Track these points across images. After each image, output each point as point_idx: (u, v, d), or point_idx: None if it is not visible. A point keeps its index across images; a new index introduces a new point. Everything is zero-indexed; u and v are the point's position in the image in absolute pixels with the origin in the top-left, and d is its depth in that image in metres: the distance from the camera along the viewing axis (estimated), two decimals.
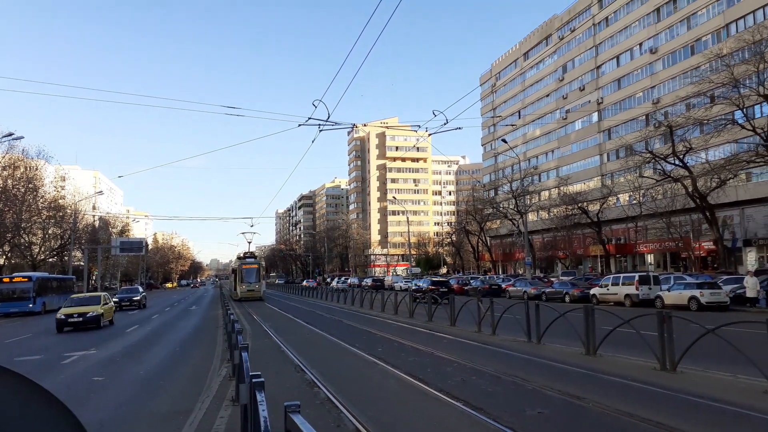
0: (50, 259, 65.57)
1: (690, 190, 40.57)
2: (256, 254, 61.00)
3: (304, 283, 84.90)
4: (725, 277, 31.87)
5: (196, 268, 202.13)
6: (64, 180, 73.95)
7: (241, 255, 52.61)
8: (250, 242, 67.74)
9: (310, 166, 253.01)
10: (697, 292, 26.22)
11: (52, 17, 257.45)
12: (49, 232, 62.30)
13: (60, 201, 65.45)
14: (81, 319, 24.23)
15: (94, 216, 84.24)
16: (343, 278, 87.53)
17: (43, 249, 62.23)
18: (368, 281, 69.44)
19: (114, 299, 30.88)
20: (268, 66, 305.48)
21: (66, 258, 65.88)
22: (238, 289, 45.59)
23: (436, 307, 23.29)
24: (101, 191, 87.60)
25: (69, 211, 64.22)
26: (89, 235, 74.63)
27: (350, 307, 34.58)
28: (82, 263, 71.17)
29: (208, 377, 11.60)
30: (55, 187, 66.50)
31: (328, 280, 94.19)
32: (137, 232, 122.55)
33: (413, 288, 42.12)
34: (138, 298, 41.98)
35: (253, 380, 4.89)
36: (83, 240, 70.37)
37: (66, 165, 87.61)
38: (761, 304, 26.27)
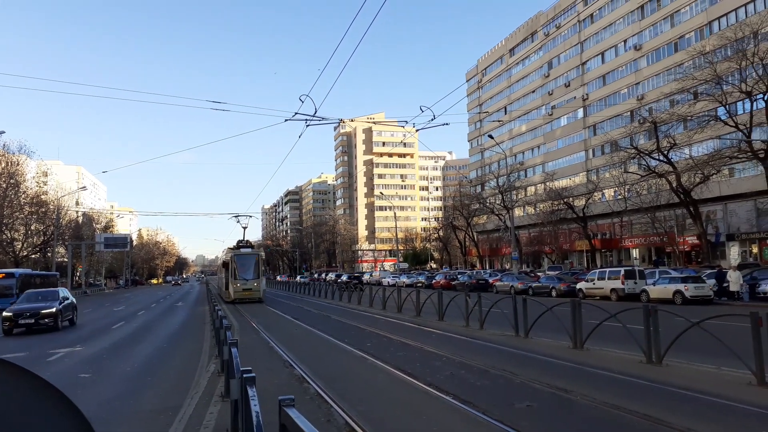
0: (33, 256, 64.77)
1: (674, 185, 41.07)
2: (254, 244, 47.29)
3: (298, 278, 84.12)
4: (708, 271, 32.31)
5: (181, 264, 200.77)
6: (47, 175, 73.08)
7: (235, 244, 40.52)
8: (245, 227, 48.08)
9: (297, 161, 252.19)
10: (681, 286, 26.56)
11: (33, 10, 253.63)
12: (32, 228, 61.52)
13: (42, 197, 64.59)
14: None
15: (77, 212, 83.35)
16: (316, 273, 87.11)
17: (25, 245, 61.43)
18: (345, 277, 67.03)
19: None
20: (254, 61, 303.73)
21: (49, 254, 65.12)
22: (231, 287, 35.71)
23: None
24: (84, 187, 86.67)
25: (52, 207, 63.48)
26: (73, 231, 73.85)
27: (338, 303, 34.66)
28: (65, 260, 70.44)
29: (197, 373, 11.55)
30: (37, 183, 65.61)
31: (315, 275, 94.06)
32: (121, 228, 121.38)
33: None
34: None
35: (244, 375, 4.88)
36: (66, 236, 69.62)
37: (48, 160, 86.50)
38: (744, 298, 26.66)
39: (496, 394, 8.94)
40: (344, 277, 66.86)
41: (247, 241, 41.04)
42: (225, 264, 38.40)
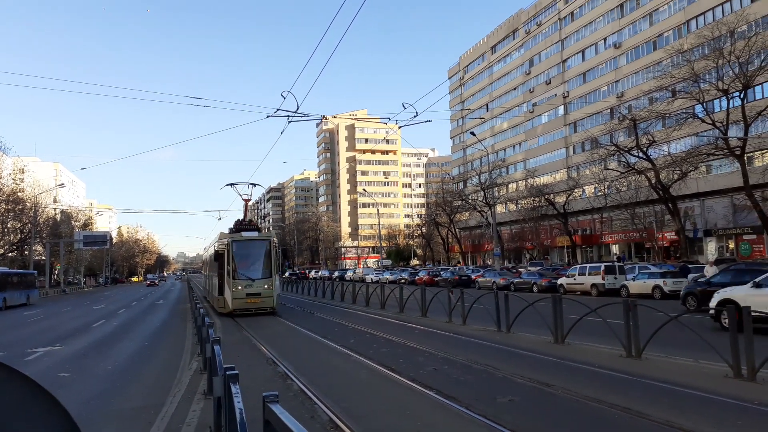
0: (10, 254, 63.68)
1: (653, 182, 41.64)
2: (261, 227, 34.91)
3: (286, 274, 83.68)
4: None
5: (162, 262, 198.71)
6: (23, 172, 71.77)
7: (232, 227, 27.13)
8: (248, 201, 29.10)
9: (279, 158, 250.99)
10: (660, 281, 26.95)
11: (7, 2, 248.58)
12: (8, 225, 60.45)
13: (19, 194, 63.44)
14: None
15: (55, 209, 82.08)
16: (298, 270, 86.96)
17: (1, 243, 60.38)
18: (325, 273, 68.56)
19: None
20: (235, 56, 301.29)
21: (26, 252, 64.07)
22: (229, 291, 23.38)
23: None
24: (62, 184, 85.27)
25: (29, 204, 62.45)
26: (51, 229, 72.71)
27: (321, 300, 34.60)
28: (43, 258, 69.37)
29: (179, 371, 11.47)
30: (13, 180, 64.33)
31: (298, 272, 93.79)
32: (101, 225, 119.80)
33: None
34: None
35: (227, 372, 4.86)
36: (44, 234, 68.53)
37: (25, 157, 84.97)
38: None
39: (479, 388, 9.00)
40: (325, 273, 67.06)
41: (250, 221, 28.51)
42: (217, 256, 24.28)
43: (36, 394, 1.45)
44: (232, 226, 27.24)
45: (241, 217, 28.50)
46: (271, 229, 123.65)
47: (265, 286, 23.46)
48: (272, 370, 11.22)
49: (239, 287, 23.10)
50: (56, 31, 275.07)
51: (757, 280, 14.25)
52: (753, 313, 9.43)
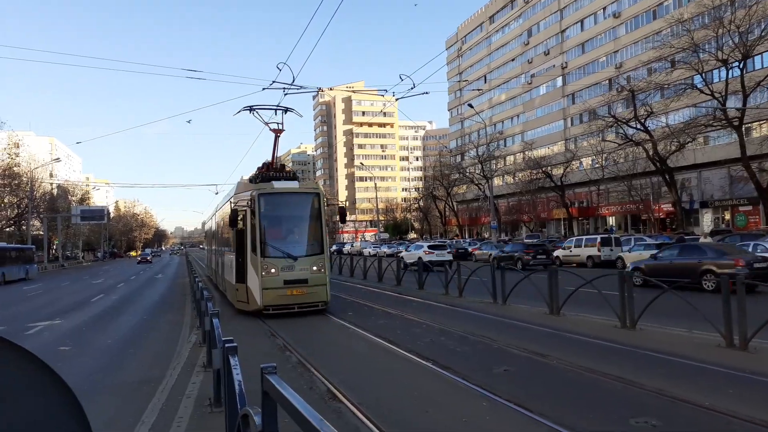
0: (7, 229, 63.62)
1: (650, 153, 41.61)
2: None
3: None
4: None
5: (160, 236, 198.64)
6: (18, 147, 71.12)
7: (256, 173, 17.32)
8: (278, 131, 17.10)
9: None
10: (656, 253, 27.08)
11: None
12: (5, 200, 60.30)
13: (15, 168, 63.08)
14: None
15: (51, 184, 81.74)
16: None
17: None
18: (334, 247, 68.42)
19: None
20: (231, 27, 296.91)
21: (24, 227, 64.04)
22: (255, 277, 14.94)
23: None
24: (58, 158, 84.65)
25: (25, 179, 62.14)
26: (48, 204, 72.53)
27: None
28: (41, 233, 69.35)
29: (178, 344, 11.59)
30: (8, 155, 63.91)
31: None
32: (98, 200, 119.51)
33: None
34: None
35: (226, 345, 4.92)
36: (41, 209, 68.39)
37: (20, 131, 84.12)
38: None
39: (475, 359, 9.13)
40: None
41: (283, 166, 18.70)
42: (234, 220, 15.42)
43: (37, 368, 1.48)
44: (254, 174, 17.33)
45: (267, 161, 17.49)
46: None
47: (314, 268, 14.95)
48: (270, 342, 11.35)
49: (272, 270, 14.64)
50: (50, 3, 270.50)
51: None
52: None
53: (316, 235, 15.43)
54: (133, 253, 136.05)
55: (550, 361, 8.68)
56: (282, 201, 15.65)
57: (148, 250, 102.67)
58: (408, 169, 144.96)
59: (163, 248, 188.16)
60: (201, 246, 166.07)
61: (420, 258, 31.77)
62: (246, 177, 19.78)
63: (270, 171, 16.53)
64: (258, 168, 17.30)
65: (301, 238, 15.48)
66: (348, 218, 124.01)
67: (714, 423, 5.82)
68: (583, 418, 6.03)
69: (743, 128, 35.97)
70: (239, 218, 15.06)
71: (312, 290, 14.82)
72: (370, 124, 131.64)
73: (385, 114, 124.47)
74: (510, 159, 77.51)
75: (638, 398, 6.69)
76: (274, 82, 19.90)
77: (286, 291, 14.56)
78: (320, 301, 15.02)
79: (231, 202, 16.26)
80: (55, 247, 79.57)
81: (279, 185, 15.44)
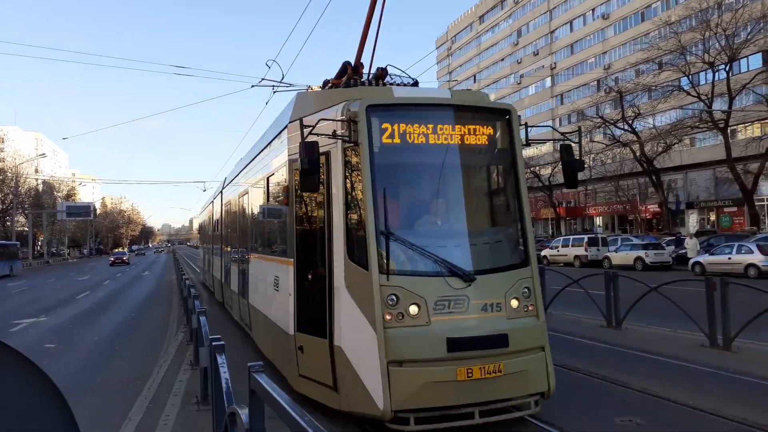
0: None
1: (638, 154, 41.92)
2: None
3: None
4: (668, 238, 33.31)
5: (147, 233, 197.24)
6: (3, 142, 70.50)
7: (334, 83, 7.79)
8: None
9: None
10: (642, 253, 27.37)
11: None
12: None
13: None
14: None
15: (37, 180, 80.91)
16: None
17: None
18: None
19: None
20: (219, 25, 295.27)
21: (8, 223, 63.36)
22: (356, 326, 5.39)
23: None
24: (44, 154, 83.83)
25: (10, 175, 61.53)
26: (33, 200, 71.82)
27: None
28: (26, 229, 68.66)
29: (165, 342, 11.53)
30: None
31: None
32: (84, 196, 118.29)
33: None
34: None
35: (214, 343, 4.92)
36: (26, 204, 67.71)
37: (4, 126, 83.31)
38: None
39: None
40: None
41: (385, 69, 7.52)
42: (306, 174, 5.28)
43: (22, 366, 1.47)
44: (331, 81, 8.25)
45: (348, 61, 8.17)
46: None
47: (513, 303, 5.78)
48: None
49: (414, 308, 5.36)
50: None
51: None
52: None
53: (509, 218, 6.79)
54: (119, 250, 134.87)
55: None
56: (428, 133, 6.04)
57: (134, 247, 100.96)
58: None
59: (150, 245, 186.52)
60: (189, 243, 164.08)
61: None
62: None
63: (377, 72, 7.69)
64: (337, 73, 8.17)
65: (476, 227, 6.53)
66: None
67: (698, 422, 5.90)
68: (570, 417, 6.08)
69: (729, 130, 36.35)
70: (311, 170, 5.39)
71: (514, 364, 5.53)
72: None
73: None
74: None
75: (622, 397, 6.78)
76: (263, 79, 19.82)
77: (453, 369, 5.24)
78: (531, 393, 5.75)
79: (285, 137, 7.36)
80: (40, 243, 78.76)
81: (410, 93, 6.62)
